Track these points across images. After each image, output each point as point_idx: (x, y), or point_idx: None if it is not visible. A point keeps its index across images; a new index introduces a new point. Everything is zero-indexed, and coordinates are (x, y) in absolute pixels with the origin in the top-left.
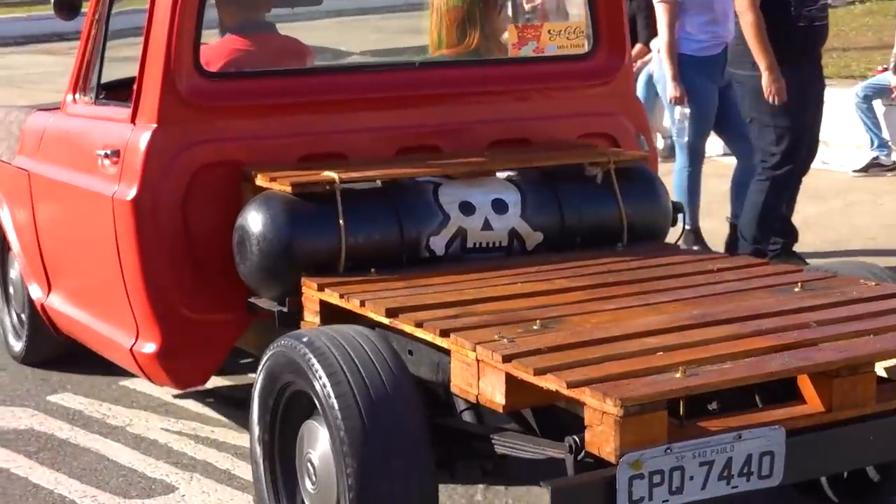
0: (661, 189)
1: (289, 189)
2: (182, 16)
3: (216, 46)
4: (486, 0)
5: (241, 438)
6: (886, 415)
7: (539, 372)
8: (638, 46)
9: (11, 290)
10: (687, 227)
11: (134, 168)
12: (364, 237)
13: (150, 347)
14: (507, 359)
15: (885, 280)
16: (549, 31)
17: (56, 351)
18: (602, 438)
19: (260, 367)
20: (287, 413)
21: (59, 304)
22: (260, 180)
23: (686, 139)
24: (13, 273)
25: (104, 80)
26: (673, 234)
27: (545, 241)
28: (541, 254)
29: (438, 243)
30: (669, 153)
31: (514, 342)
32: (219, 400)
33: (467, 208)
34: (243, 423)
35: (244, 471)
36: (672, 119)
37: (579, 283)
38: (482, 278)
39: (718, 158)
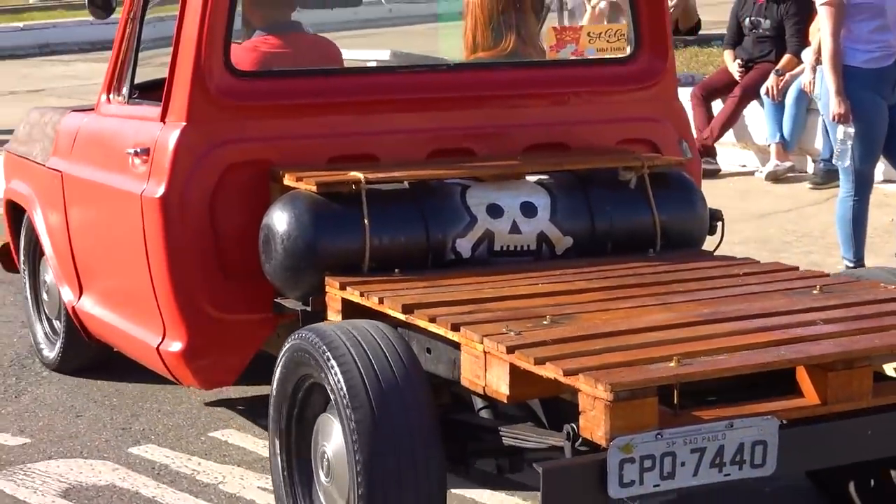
0: (699, 196)
1: (314, 189)
2: (213, 15)
3: (246, 46)
4: (524, 2)
5: None
6: (884, 410)
7: (539, 361)
8: (786, 57)
9: (45, 296)
10: (849, 263)
11: (163, 166)
12: (389, 238)
13: (176, 346)
14: (510, 349)
15: (887, 282)
16: (588, 34)
17: (89, 358)
18: (594, 423)
19: (278, 360)
20: (304, 406)
21: (89, 307)
22: (287, 180)
23: (850, 163)
24: (48, 278)
25: (138, 80)
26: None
27: (575, 246)
28: (569, 258)
29: (464, 245)
30: (822, 179)
31: (520, 335)
32: None
33: (495, 211)
34: None
35: None
36: (833, 140)
37: (599, 284)
38: (503, 279)
39: (880, 186)
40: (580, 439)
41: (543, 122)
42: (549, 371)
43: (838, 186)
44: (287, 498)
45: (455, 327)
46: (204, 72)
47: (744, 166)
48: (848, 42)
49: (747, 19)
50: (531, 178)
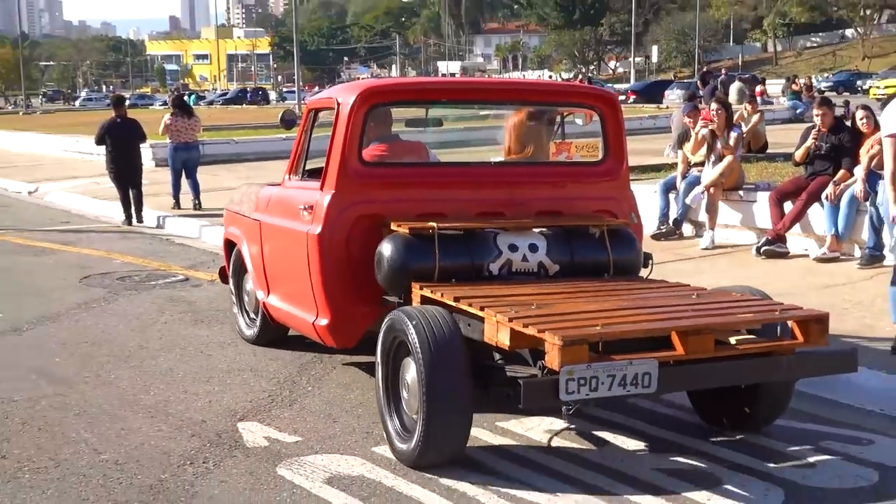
0: (636, 244)
1: (407, 232)
2: (352, 133)
3: (368, 149)
4: (540, 128)
5: (532, 496)
6: (721, 359)
7: (525, 325)
8: (842, 172)
9: (246, 298)
10: None
11: (320, 216)
12: (449, 262)
13: (323, 322)
14: (511, 320)
15: (753, 295)
16: (576, 146)
17: (272, 335)
18: (552, 359)
19: (381, 328)
20: (395, 354)
21: (274, 302)
22: (392, 226)
23: None
24: (248, 287)
25: (307, 167)
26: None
27: (560, 271)
28: (557, 278)
29: (494, 268)
30: (867, 261)
31: (517, 313)
32: (510, 458)
33: (513, 248)
34: (532, 481)
35: None
36: (891, 234)
37: (569, 291)
38: (515, 287)
39: None
40: (546, 369)
41: (546, 198)
42: (531, 331)
43: (880, 267)
44: (386, 406)
45: (482, 308)
46: (347, 163)
47: (805, 250)
48: None
49: (813, 144)
50: (536, 230)
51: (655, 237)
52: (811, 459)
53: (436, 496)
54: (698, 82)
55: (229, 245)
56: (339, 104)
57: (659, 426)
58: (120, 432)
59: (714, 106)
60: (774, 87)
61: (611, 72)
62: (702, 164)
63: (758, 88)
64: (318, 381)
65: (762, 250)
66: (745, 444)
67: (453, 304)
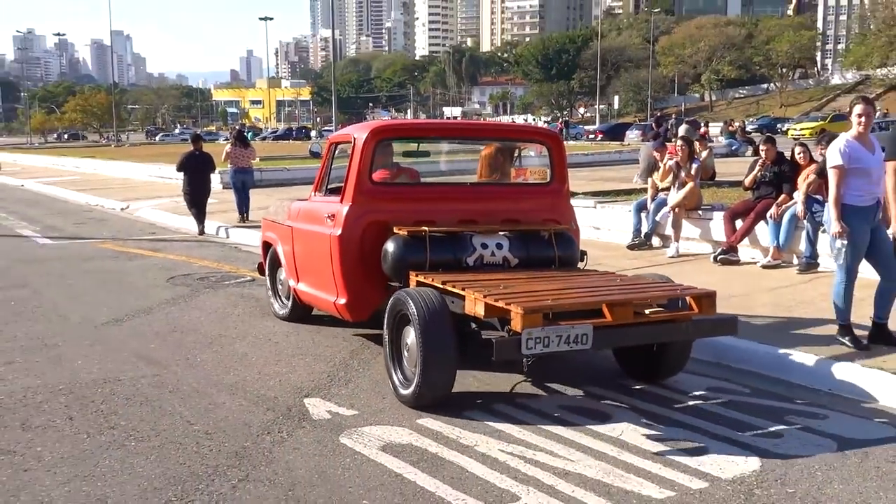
0: (575, 244)
1: (406, 234)
2: (363, 162)
3: (376, 173)
4: (504, 158)
5: (558, 461)
6: (638, 325)
7: (496, 300)
8: (783, 196)
9: (280, 286)
10: (841, 322)
11: (340, 221)
12: (437, 256)
13: (342, 301)
14: (485, 296)
15: (657, 280)
16: (530, 171)
17: (300, 314)
18: (516, 323)
19: (388, 304)
20: (398, 323)
21: (303, 287)
22: (394, 230)
23: (843, 262)
24: (281, 276)
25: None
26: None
27: (519, 263)
28: (516, 269)
29: (470, 261)
30: (804, 268)
31: (490, 291)
32: (532, 430)
33: (484, 246)
34: (556, 452)
35: (564, 486)
36: (832, 247)
37: (526, 276)
38: (486, 275)
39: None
40: (511, 331)
41: (509, 210)
42: (500, 303)
43: (816, 273)
44: (391, 363)
45: (463, 289)
46: (361, 182)
47: (753, 258)
48: (846, 190)
49: (759, 173)
50: (501, 233)
51: (630, 248)
52: (775, 429)
53: (473, 462)
54: (653, 124)
55: (265, 246)
56: (355, 139)
57: (647, 400)
58: (208, 407)
59: (679, 143)
60: (713, 128)
61: (580, 116)
62: (667, 189)
63: (701, 129)
64: (367, 364)
65: (719, 258)
66: (721, 417)
67: (441, 286)
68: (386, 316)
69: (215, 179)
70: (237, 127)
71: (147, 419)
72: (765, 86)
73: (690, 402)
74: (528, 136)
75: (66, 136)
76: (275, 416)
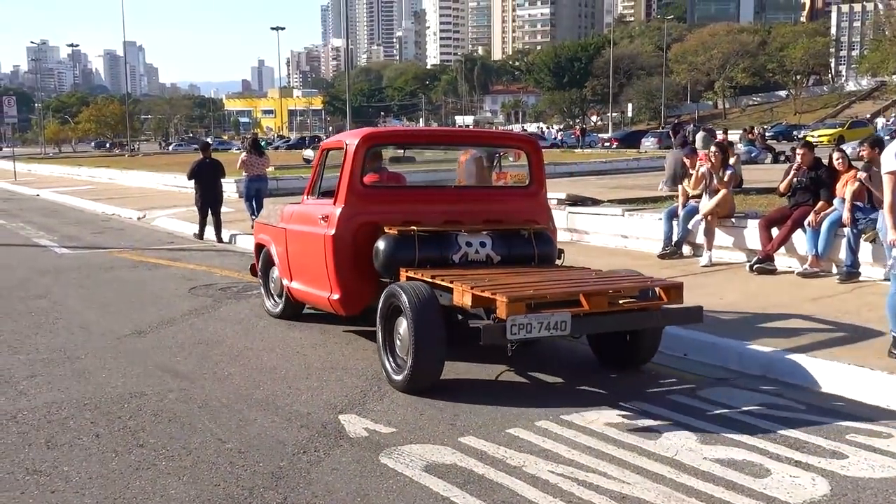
0: (553, 242)
1: (396, 233)
2: (354, 167)
3: (366, 176)
4: (486, 161)
5: (612, 483)
6: (613, 313)
7: (482, 291)
8: (821, 203)
9: (272, 285)
10: (895, 334)
11: (333, 222)
12: (425, 253)
13: (335, 297)
14: (472, 287)
15: (634, 273)
16: (511, 176)
17: (292, 311)
18: (501, 311)
19: (381, 298)
20: (391, 314)
21: (296, 285)
22: (385, 229)
23: None
24: (274, 275)
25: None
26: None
27: (501, 260)
28: (498, 266)
29: (456, 258)
30: (845, 278)
31: (475, 284)
32: (582, 450)
33: (469, 244)
34: (609, 473)
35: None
36: (888, 256)
37: (508, 271)
38: (471, 270)
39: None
40: (496, 319)
41: (491, 210)
42: (487, 293)
43: (856, 282)
44: (384, 352)
45: (451, 282)
46: (353, 185)
47: (789, 267)
48: None
49: (795, 179)
50: (485, 232)
51: (661, 256)
52: (839, 449)
53: (523, 484)
54: (671, 132)
55: (258, 248)
56: (347, 145)
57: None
58: (239, 423)
59: (713, 149)
60: (732, 136)
61: (592, 124)
62: (699, 196)
63: (719, 136)
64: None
65: (755, 268)
66: (779, 436)
67: (431, 280)
68: (379, 308)
69: (231, 188)
70: (253, 136)
71: (177, 437)
72: (779, 93)
73: (744, 419)
74: (508, 142)
75: (92, 145)
76: (310, 433)
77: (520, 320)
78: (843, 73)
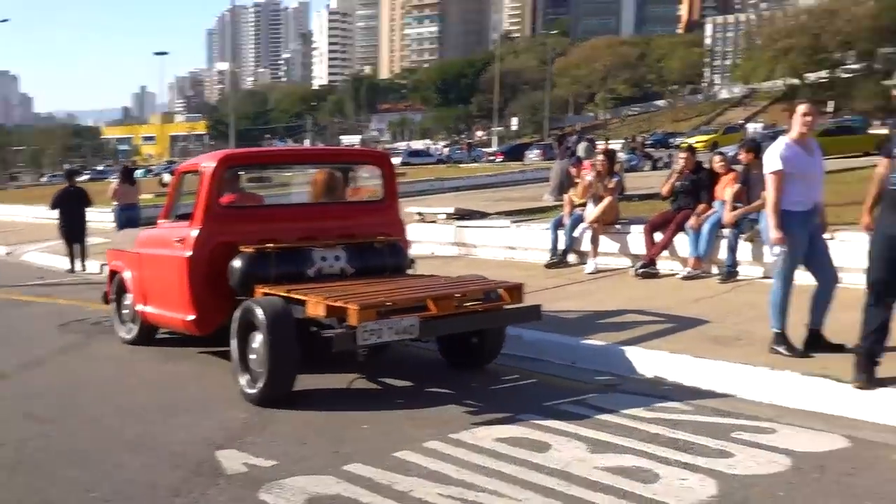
0: (405, 253)
1: (252, 251)
2: (211, 188)
3: (223, 197)
4: (339, 181)
5: (504, 501)
6: (459, 315)
7: (335, 300)
8: (702, 206)
9: (124, 311)
10: (776, 330)
11: (189, 244)
12: (281, 270)
13: (191, 318)
14: (325, 298)
15: (479, 278)
16: (364, 190)
17: (147, 336)
18: (353, 318)
19: (236, 312)
20: (245, 329)
21: (150, 309)
22: (241, 248)
23: (781, 269)
24: (126, 302)
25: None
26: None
27: (356, 272)
28: (353, 278)
29: (311, 272)
30: (726, 277)
31: (329, 295)
32: (472, 469)
33: (324, 259)
34: (500, 491)
35: None
36: (772, 253)
37: (362, 283)
38: (326, 284)
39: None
40: (348, 326)
41: (345, 226)
42: (339, 303)
43: (737, 281)
44: (239, 367)
45: (304, 294)
46: (209, 207)
47: (671, 270)
48: (784, 195)
49: (678, 183)
50: (339, 246)
51: (549, 266)
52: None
53: None
54: (555, 143)
55: (112, 275)
56: (203, 168)
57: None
58: (107, 469)
59: (600, 157)
60: (613, 144)
61: (476, 139)
62: (583, 204)
63: (599, 146)
64: (286, 406)
65: (640, 272)
66: (667, 438)
67: (286, 294)
68: (234, 325)
69: (108, 217)
70: (127, 165)
71: (37, 488)
72: (657, 102)
73: (633, 424)
74: (362, 158)
75: None
76: (184, 473)
77: (370, 326)
78: (718, 81)
